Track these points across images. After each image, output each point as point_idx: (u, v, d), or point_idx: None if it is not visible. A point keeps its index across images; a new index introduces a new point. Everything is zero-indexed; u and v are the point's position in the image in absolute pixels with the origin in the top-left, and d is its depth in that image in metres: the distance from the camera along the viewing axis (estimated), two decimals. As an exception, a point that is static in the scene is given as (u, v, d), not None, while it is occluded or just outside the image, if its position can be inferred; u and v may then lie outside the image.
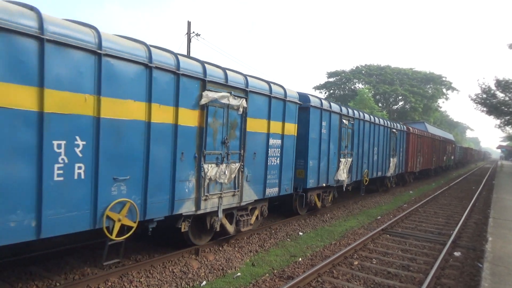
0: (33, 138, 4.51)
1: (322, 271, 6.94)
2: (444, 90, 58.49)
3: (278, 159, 9.28)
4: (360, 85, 54.59)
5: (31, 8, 4.59)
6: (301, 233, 10.00)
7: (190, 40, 22.66)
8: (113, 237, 5.50)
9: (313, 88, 57.95)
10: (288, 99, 9.39)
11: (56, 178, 4.72)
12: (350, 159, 13.52)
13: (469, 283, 6.78)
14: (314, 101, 11.00)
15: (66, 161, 4.83)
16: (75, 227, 5.02)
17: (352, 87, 55.74)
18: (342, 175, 12.85)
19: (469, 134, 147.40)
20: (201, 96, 6.75)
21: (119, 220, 5.51)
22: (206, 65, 6.97)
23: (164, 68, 6.03)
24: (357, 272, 7.08)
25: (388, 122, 18.31)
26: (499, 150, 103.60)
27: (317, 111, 11.16)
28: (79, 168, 5.01)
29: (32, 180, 4.51)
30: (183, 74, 6.37)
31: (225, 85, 7.31)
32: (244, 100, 7.83)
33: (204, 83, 6.81)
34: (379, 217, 12.80)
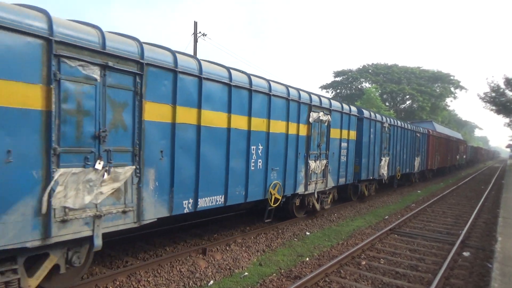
0: (244, 145, 8.01)
1: (329, 271, 6.92)
2: (452, 89, 57.91)
3: (345, 157, 12.66)
4: (367, 84, 54.30)
5: (243, 72, 8.12)
6: (308, 233, 9.98)
7: (196, 40, 22.73)
8: (271, 204, 8.99)
9: (320, 87, 57.77)
10: (351, 113, 12.86)
11: (251, 168, 8.24)
12: (388, 158, 16.81)
13: (479, 283, 6.71)
14: (366, 114, 14.27)
15: (255, 158, 8.35)
16: (257, 197, 8.56)
17: (359, 86, 55.47)
18: (383, 170, 16.21)
19: (477, 133, 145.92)
20: (309, 116, 10.22)
21: (274, 194, 8.98)
22: (311, 94, 10.52)
23: (294, 99, 9.56)
24: (365, 272, 7.05)
25: (414, 127, 21.54)
26: (508, 149, 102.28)
27: (367, 121, 14.33)
28: (259, 162, 8.52)
29: (243, 169, 8.04)
30: (302, 102, 9.85)
31: (320, 107, 10.76)
32: (329, 116, 11.28)
33: (310, 107, 10.26)
34: (386, 217, 12.73)
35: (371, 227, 11.02)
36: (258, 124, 8.32)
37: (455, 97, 59.17)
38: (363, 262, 7.62)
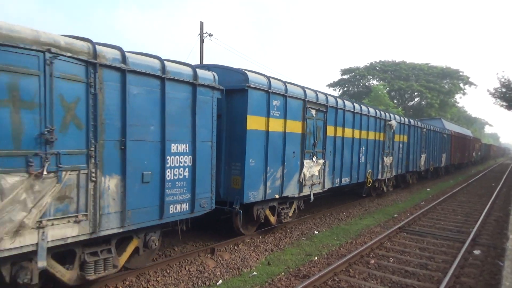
0: (358, 147, 12.75)
1: (338, 270, 6.90)
2: (461, 85, 57.13)
3: (401, 154, 17.37)
4: (375, 82, 53.85)
5: (363, 104, 14.86)
6: (317, 232, 9.95)
7: (203, 40, 22.77)
8: (367, 185, 13.90)
9: (327, 85, 57.46)
10: (405, 123, 17.69)
11: (360, 161, 12.97)
12: (425, 155, 21.49)
13: (490, 281, 6.64)
14: (412, 122, 19.00)
15: (361, 155, 12.99)
16: (362, 179, 13.38)
17: (367, 84, 55.04)
18: (421, 164, 20.91)
19: (487, 129, 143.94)
20: (385, 127, 15.04)
21: (368, 178, 13.75)
22: (386, 113, 15.70)
23: (378, 117, 14.36)
24: (374, 271, 7.01)
25: (442, 129, 26.70)
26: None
27: (413, 127, 18.92)
28: (362, 157, 13.14)
29: (357, 161, 12.75)
30: (381, 118, 14.68)
31: (389, 120, 15.38)
32: (394, 126, 15.73)
33: (385, 121, 15.07)
34: (396, 215, 12.64)
35: (380, 226, 10.95)
36: (363, 134, 13.10)
37: (464, 94, 58.37)
38: (372, 261, 7.58)
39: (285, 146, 8.86)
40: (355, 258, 7.60)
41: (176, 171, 6.21)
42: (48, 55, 4.43)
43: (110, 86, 5.20)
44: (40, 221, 4.42)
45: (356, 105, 12.71)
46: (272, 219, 9.25)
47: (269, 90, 8.23)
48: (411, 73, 54.05)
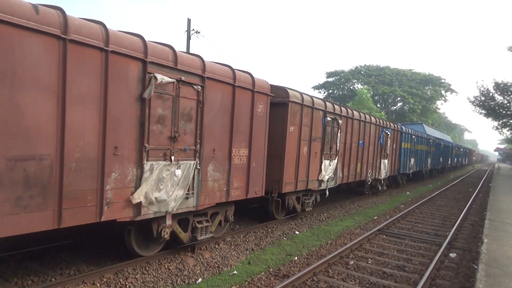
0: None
1: (317, 270, 6.96)
2: (443, 92, 58.57)
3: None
4: (359, 86, 54.60)
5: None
6: (298, 232, 10.01)
7: (189, 37, 22.63)
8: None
9: (312, 87, 57.93)
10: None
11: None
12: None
13: (464, 284, 6.80)
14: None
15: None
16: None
17: (351, 87, 55.73)
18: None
19: (467, 136, 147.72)
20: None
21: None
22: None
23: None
24: (353, 272, 7.09)
25: (465, 148, 55.75)
26: (496, 153, 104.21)
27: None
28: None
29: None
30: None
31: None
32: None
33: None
34: (375, 217, 12.83)
35: (360, 227, 11.09)
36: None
37: (445, 100, 59.92)
38: (351, 262, 7.67)
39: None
40: (335, 258, 7.68)
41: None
42: None
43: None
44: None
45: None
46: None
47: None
48: (395, 79, 55.01)
